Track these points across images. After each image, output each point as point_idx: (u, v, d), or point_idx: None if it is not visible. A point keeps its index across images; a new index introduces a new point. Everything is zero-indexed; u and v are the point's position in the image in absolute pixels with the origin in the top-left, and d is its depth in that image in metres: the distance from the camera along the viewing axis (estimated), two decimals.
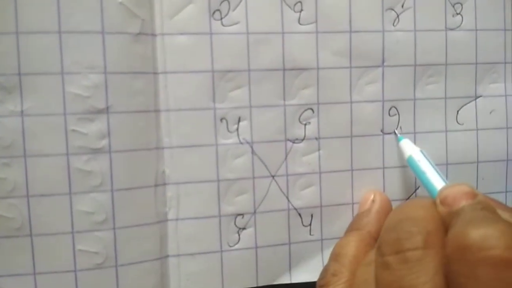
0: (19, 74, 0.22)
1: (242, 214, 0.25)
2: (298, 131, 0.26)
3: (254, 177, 0.25)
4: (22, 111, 0.22)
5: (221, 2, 0.24)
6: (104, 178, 0.23)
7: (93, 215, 0.23)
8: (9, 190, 0.22)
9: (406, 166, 0.27)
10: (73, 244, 0.23)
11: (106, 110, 0.23)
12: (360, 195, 0.26)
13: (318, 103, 0.26)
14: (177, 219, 0.25)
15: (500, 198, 0.28)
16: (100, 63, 0.22)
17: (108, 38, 0.22)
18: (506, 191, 0.28)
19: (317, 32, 0.25)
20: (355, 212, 0.26)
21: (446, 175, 0.28)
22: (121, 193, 0.23)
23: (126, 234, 0.23)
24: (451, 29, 0.27)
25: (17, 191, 0.22)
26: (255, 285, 0.25)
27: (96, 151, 0.23)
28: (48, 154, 0.22)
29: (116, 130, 0.23)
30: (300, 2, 0.25)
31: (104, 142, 0.23)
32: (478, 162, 0.28)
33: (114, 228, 0.23)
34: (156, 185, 0.24)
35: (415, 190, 0.27)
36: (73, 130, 0.23)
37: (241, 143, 0.25)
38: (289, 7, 0.25)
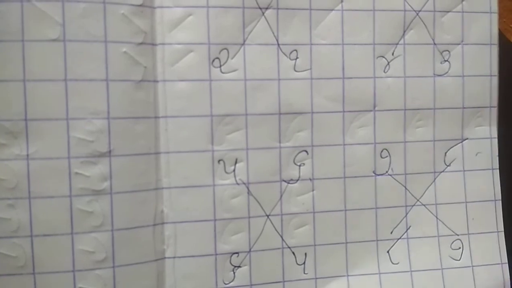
0: (26, 119, 0.23)
1: (237, 253, 0.26)
2: (293, 172, 0.26)
3: (249, 217, 0.26)
4: (27, 155, 0.23)
5: (221, 51, 0.25)
6: (105, 219, 0.24)
7: (94, 254, 0.24)
8: (13, 230, 0.23)
9: (397, 206, 0.28)
10: (74, 283, 0.23)
11: (109, 154, 0.24)
12: (354, 235, 0.27)
13: (312, 146, 0.27)
14: (174, 257, 0.25)
15: (493, 238, 0.29)
16: (104, 109, 0.23)
17: (112, 85, 0.23)
18: (498, 231, 0.29)
19: (311, 78, 0.26)
20: (349, 252, 0.27)
21: (436, 215, 0.28)
22: (121, 232, 0.24)
23: (125, 272, 0.24)
24: (439, 75, 0.28)
25: (21, 231, 0.23)
26: None
27: (98, 192, 0.24)
28: (52, 196, 0.23)
29: (118, 173, 0.24)
30: (296, 50, 0.26)
31: (106, 184, 0.24)
32: (466, 202, 0.29)
33: (113, 267, 0.24)
34: (154, 224, 0.25)
35: (407, 230, 0.28)
36: (77, 173, 0.23)
37: (238, 183, 0.26)
38: (285, 55, 0.26)
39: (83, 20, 0.23)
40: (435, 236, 0.28)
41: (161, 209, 0.25)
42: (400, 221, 0.28)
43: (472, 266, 0.29)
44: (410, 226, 0.28)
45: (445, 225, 0.28)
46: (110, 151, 0.24)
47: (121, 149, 0.24)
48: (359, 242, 0.27)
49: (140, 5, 0.24)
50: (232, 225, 0.26)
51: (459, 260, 0.28)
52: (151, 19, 0.24)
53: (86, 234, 0.24)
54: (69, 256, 0.23)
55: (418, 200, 0.28)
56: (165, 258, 0.25)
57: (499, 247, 0.29)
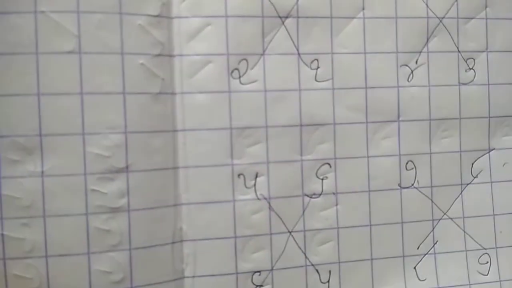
0: (40, 135, 0.22)
1: (259, 271, 0.25)
2: (315, 186, 0.26)
3: (271, 233, 0.25)
4: (42, 172, 0.22)
5: (240, 61, 0.24)
6: (123, 237, 0.23)
7: (111, 275, 0.23)
8: (27, 251, 0.22)
9: (424, 220, 0.27)
10: None
11: (126, 169, 0.23)
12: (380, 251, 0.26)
13: (335, 158, 0.26)
14: (193, 277, 0.24)
15: None
16: (120, 123, 0.23)
17: (128, 98, 0.23)
18: None
19: (333, 88, 0.26)
20: (375, 268, 0.26)
21: (464, 228, 0.27)
22: (139, 251, 0.23)
23: None
24: (464, 84, 0.27)
25: (36, 251, 0.22)
26: None
27: (115, 210, 0.23)
28: (68, 214, 0.22)
29: (135, 189, 0.23)
30: (317, 59, 0.25)
31: (123, 201, 0.23)
32: (494, 215, 0.28)
33: (131, 287, 0.23)
34: (173, 242, 0.24)
35: (434, 245, 0.27)
36: (93, 190, 0.22)
37: (259, 198, 0.25)
38: (306, 64, 0.25)
39: (99, 32, 0.22)
40: (463, 251, 0.28)
41: (180, 226, 0.24)
42: (427, 236, 0.27)
43: (500, 280, 0.28)
44: (437, 241, 0.27)
45: (473, 239, 0.28)
46: (127, 167, 0.23)
47: (138, 165, 0.23)
48: (385, 258, 0.27)
49: (157, 16, 0.23)
50: (253, 242, 0.25)
51: (487, 275, 0.28)
52: (168, 29, 0.24)
53: (103, 253, 0.23)
54: (86, 277, 0.23)
55: (445, 214, 0.27)
56: (184, 277, 0.24)
57: None
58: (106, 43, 0.22)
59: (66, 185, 0.22)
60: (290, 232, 0.25)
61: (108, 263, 0.23)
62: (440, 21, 0.27)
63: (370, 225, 0.26)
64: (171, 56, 0.24)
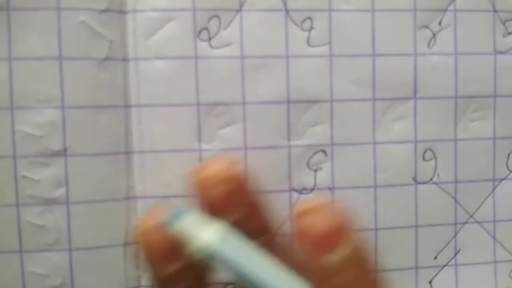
0: None
1: (232, 284, 0.22)
2: (307, 179, 0.23)
3: None
4: None
5: (210, 19, 0.22)
6: (61, 235, 0.21)
7: (47, 278, 0.21)
8: None
9: (445, 223, 0.24)
10: None
11: (64, 153, 0.21)
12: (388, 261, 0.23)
13: (332, 144, 0.23)
14: (152, 287, 0.21)
15: None
16: (56, 96, 0.21)
17: (66, 65, 0.20)
18: None
19: (331, 55, 0.23)
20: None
21: (493, 235, 0.24)
22: (82, 253, 0.21)
23: None
24: (501, 53, 0.24)
25: None
26: None
27: (50, 201, 0.21)
28: None
29: (76, 177, 0.21)
30: (310, 18, 0.22)
31: (61, 191, 0.21)
32: None
33: None
34: (125, 244, 0.22)
35: (455, 254, 0.24)
36: (24, 177, 0.21)
37: None
38: (296, 24, 0.22)
39: None
40: (491, 262, 0.25)
41: (134, 225, 0.22)
42: (448, 243, 0.24)
43: None
44: (460, 250, 0.25)
45: (504, 247, 0.25)
46: (65, 149, 0.21)
47: (79, 147, 0.21)
48: (394, 270, 0.24)
49: None
50: None
51: None
52: None
53: (37, 253, 0.21)
54: (19, 279, 0.21)
55: (471, 216, 0.24)
56: (140, 287, 0.22)
57: None
58: None
59: None
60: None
61: (44, 265, 0.21)
62: None
63: (376, 229, 0.23)
64: (122, 12, 0.21)
